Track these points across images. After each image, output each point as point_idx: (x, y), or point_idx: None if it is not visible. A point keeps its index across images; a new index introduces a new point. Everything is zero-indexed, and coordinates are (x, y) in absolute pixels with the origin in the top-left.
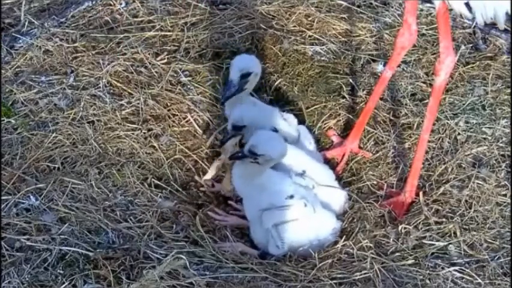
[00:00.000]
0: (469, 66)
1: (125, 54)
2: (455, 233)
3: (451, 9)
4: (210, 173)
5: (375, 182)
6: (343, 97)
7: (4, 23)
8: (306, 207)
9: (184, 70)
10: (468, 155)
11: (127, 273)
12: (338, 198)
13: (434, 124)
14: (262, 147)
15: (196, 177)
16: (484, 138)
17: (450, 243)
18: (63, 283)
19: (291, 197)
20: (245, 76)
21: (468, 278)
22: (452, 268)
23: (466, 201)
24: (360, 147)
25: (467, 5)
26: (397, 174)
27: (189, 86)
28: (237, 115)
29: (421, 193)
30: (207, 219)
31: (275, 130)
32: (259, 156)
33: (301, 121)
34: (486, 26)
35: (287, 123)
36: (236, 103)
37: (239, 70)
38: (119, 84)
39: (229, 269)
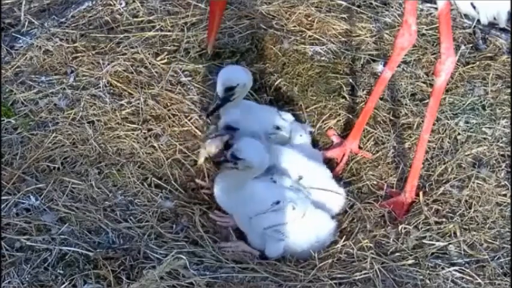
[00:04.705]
0: (469, 66)
1: (125, 54)
2: (455, 233)
3: (452, 9)
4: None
5: (375, 182)
6: (343, 97)
7: (4, 23)
8: (294, 210)
9: (184, 70)
10: (468, 155)
11: (127, 273)
12: (334, 198)
13: (434, 124)
14: (244, 152)
15: (197, 180)
16: (484, 138)
17: (450, 243)
18: (63, 283)
19: (277, 203)
20: (230, 89)
21: (468, 278)
22: (452, 268)
23: (466, 201)
24: (359, 147)
25: (471, 4)
26: (397, 174)
27: (189, 86)
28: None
29: (421, 193)
30: (207, 219)
31: (278, 128)
32: (240, 160)
33: (301, 121)
34: (487, 26)
35: (285, 121)
36: (227, 109)
37: (222, 84)
38: (119, 84)
39: (229, 269)
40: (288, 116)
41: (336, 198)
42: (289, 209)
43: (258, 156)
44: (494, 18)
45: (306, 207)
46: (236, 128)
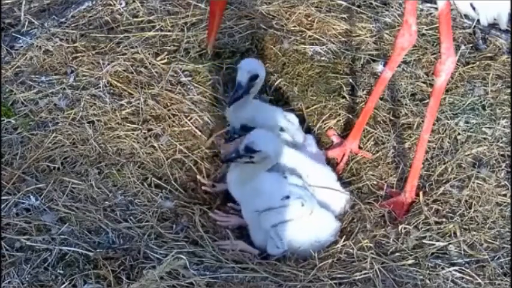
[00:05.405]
0: (469, 66)
1: (125, 54)
2: (455, 233)
3: (452, 9)
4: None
5: (375, 182)
6: (343, 97)
7: (4, 23)
8: (303, 206)
9: (184, 70)
10: (468, 155)
11: (127, 273)
12: (338, 199)
13: (434, 124)
14: (259, 143)
15: (198, 177)
16: (484, 138)
17: (450, 243)
18: (63, 283)
19: (287, 197)
20: (253, 78)
21: (468, 278)
22: (452, 268)
23: (466, 201)
24: (359, 148)
25: (471, 5)
26: (397, 174)
27: (189, 86)
28: (249, 116)
29: (421, 193)
30: (207, 219)
31: (282, 130)
32: (256, 153)
33: (301, 121)
34: (487, 26)
35: (290, 123)
36: (240, 106)
37: (248, 72)
38: (119, 84)
39: (229, 269)
40: (292, 117)
41: (340, 199)
42: (298, 206)
43: (273, 145)
44: (495, 19)
45: (313, 205)
46: (252, 127)
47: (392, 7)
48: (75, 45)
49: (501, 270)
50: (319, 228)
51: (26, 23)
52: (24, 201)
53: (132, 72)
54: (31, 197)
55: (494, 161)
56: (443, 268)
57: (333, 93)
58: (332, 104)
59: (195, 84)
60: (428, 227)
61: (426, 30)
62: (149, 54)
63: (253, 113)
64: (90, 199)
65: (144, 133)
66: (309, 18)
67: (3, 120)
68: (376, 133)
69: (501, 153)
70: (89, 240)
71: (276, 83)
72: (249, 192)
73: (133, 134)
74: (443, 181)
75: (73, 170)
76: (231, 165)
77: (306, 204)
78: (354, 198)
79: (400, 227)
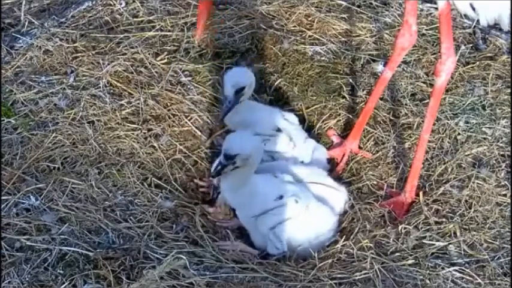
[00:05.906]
0: (469, 66)
1: (125, 54)
2: (455, 233)
3: (452, 9)
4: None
5: (375, 182)
6: (343, 97)
7: (4, 23)
8: (298, 203)
9: (184, 70)
10: (468, 155)
11: (127, 273)
12: (336, 197)
13: (434, 124)
14: (235, 147)
15: (195, 180)
16: (484, 138)
17: (450, 243)
18: (63, 283)
19: (281, 197)
20: (239, 91)
21: (468, 278)
22: (452, 268)
23: (466, 201)
24: (359, 147)
25: (471, 6)
26: (397, 174)
27: (189, 86)
28: (243, 117)
29: (421, 193)
30: (207, 219)
31: (279, 130)
32: (236, 157)
33: (301, 121)
34: (487, 26)
35: (289, 122)
36: (235, 108)
37: (232, 86)
38: (119, 84)
39: (229, 269)
40: (291, 117)
41: (338, 197)
42: (292, 203)
43: (250, 144)
44: (495, 20)
45: (308, 199)
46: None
47: (392, 7)
48: (75, 45)
49: (501, 270)
50: (318, 224)
51: (26, 23)
52: (24, 201)
53: (132, 72)
54: (31, 197)
55: (494, 161)
56: (443, 268)
57: (333, 93)
58: (332, 104)
59: (195, 84)
60: (428, 227)
61: (426, 30)
62: (149, 54)
63: (247, 113)
64: (90, 199)
65: (144, 133)
66: (309, 18)
67: (3, 120)
68: (376, 133)
69: (501, 153)
70: (89, 240)
71: (276, 83)
72: (244, 198)
73: (133, 134)
74: (443, 181)
75: (73, 170)
76: (222, 177)
77: (301, 200)
78: (351, 197)
79: (400, 227)
